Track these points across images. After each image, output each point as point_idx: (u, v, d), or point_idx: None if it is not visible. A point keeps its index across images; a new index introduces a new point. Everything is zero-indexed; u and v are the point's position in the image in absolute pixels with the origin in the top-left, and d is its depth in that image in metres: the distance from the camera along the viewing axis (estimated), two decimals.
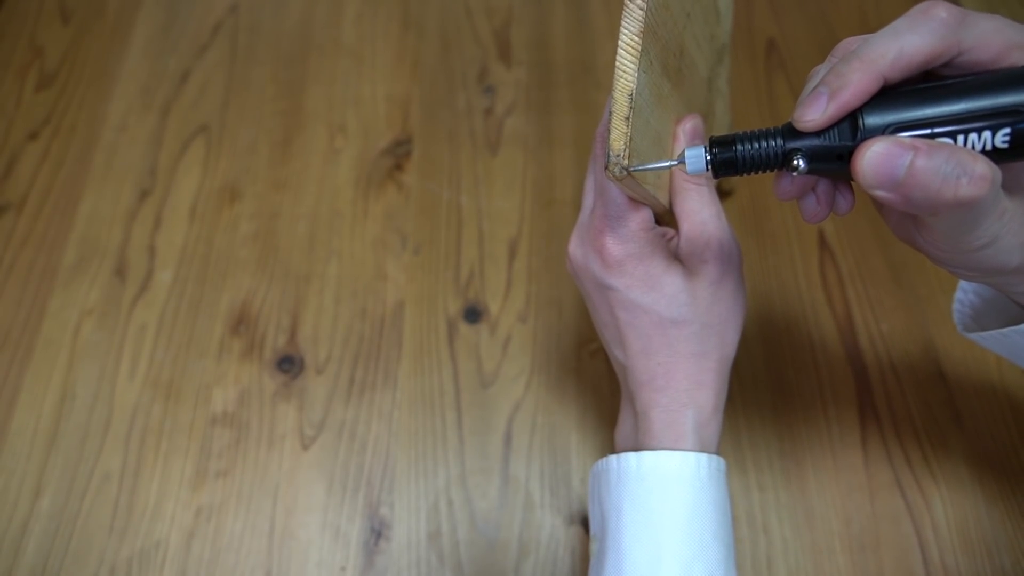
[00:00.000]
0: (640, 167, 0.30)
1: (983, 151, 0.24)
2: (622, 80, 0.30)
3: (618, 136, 0.30)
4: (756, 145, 0.28)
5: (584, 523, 0.46)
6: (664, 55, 0.33)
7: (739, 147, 0.28)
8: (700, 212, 0.35)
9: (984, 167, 0.23)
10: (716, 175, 0.29)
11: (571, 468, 0.48)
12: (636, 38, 0.30)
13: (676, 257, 0.35)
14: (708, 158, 0.29)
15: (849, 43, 0.27)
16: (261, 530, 0.47)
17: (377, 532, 0.46)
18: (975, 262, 0.27)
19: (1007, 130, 0.24)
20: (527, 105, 0.63)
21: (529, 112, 0.63)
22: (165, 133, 0.62)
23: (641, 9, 0.29)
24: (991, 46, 0.24)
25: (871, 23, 0.67)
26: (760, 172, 0.29)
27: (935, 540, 0.45)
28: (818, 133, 0.26)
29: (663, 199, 0.36)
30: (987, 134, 0.25)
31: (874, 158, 0.24)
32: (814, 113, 0.26)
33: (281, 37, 0.68)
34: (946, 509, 0.46)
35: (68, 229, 0.58)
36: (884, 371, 0.51)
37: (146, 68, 0.66)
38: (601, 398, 0.50)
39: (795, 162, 0.27)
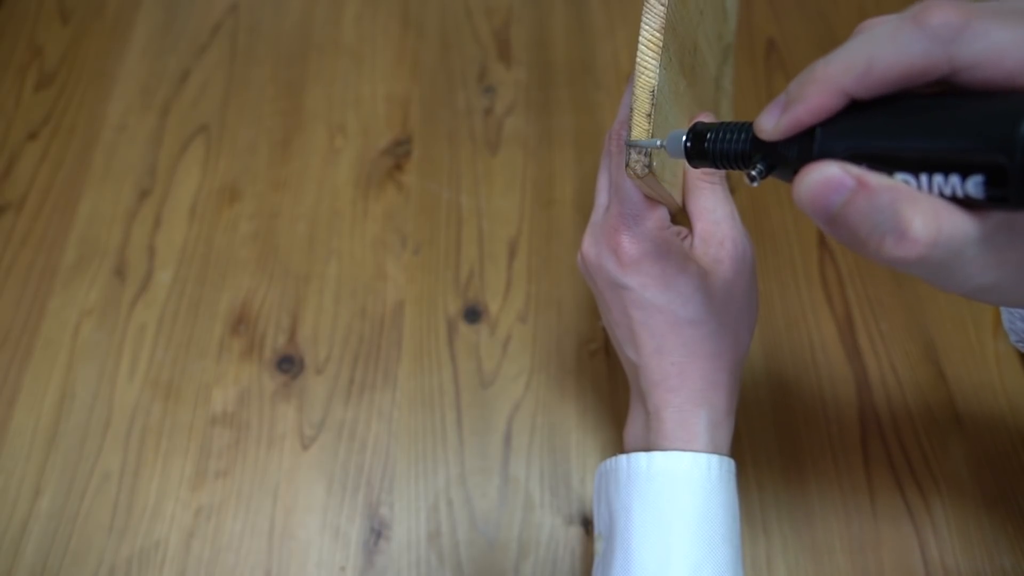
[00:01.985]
0: (633, 142, 0.30)
1: (953, 197, 0.19)
2: (643, 76, 0.30)
3: (639, 132, 0.30)
4: (726, 140, 0.26)
5: (584, 523, 0.46)
6: (681, 52, 0.33)
7: (710, 138, 0.27)
8: (714, 211, 0.35)
9: (920, 229, 0.19)
10: (691, 164, 0.29)
11: (571, 468, 0.48)
12: (657, 34, 0.30)
13: (690, 256, 0.35)
14: (687, 144, 0.28)
15: (864, 26, 0.23)
16: (261, 530, 0.47)
17: (377, 532, 0.46)
18: (972, 298, 0.23)
19: (980, 177, 0.18)
20: (527, 105, 0.63)
21: (529, 112, 0.63)
22: (165, 133, 0.62)
23: (662, 5, 0.30)
24: (1003, 62, 0.19)
25: None
26: (733, 168, 0.27)
27: (935, 540, 0.45)
28: (777, 142, 0.24)
29: (677, 197, 0.36)
30: (955, 178, 0.19)
31: (811, 186, 0.21)
32: (767, 123, 0.24)
33: (281, 37, 0.68)
34: (946, 509, 0.46)
35: (68, 229, 0.58)
36: (884, 371, 0.51)
37: (146, 68, 0.66)
38: (601, 398, 0.50)
39: (752, 170, 0.25)
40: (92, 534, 0.46)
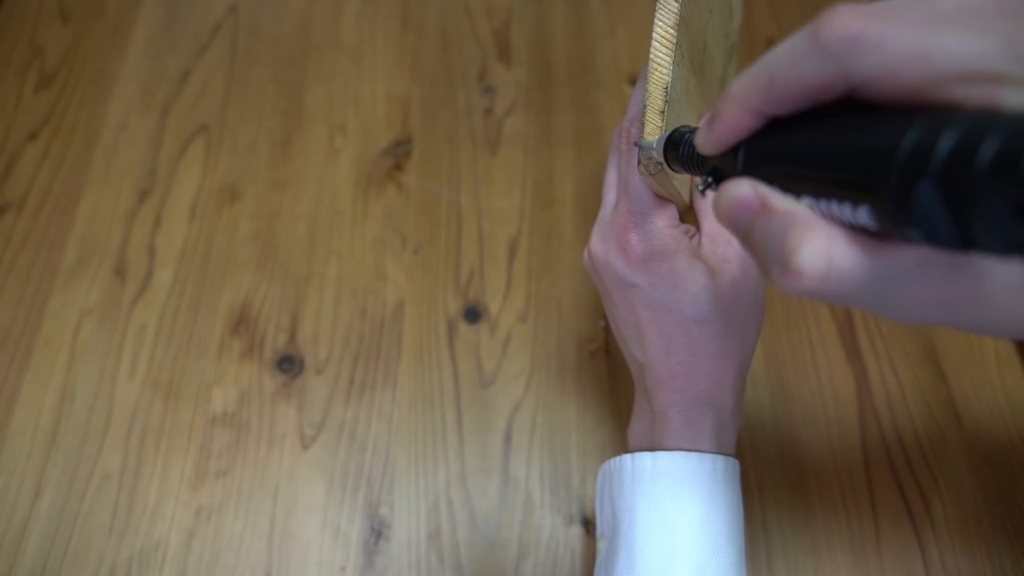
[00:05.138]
0: (638, 143, 0.30)
1: (854, 224, 0.17)
2: (657, 72, 0.30)
3: (652, 130, 0.30)
4: (692, 146, 0.26)
5: (585, 523, 0.46)
6: (692, 49, 0.33)
7: (683, 142, 0.27)
8: None
9: (806, 261, 0.17)
10: (669, 166, 0.29)
11: (571, 468, 0.48)
12: (671, 30, 0.30)
13: (698, 255, 0.35)
14: (665, 147, 0.28)
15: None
16: (261, 530, 0.47)
17: (377, 532, 0.46)
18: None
19: (867, 207, 0.16)
20: (527, 105, 0.63)
21: (529, 112, 0.63)
22: (165, 133, 0.62)
23: (676, 1, 0.30)
24: (899, 78, 0.17)
25: None
26: (699, 175, 0.27)
27: (935, 540, 0.45)
28: (719, 155, 0.23)
29: (686, 195, 0.36)
30: (847, 207, 0.17)
31: (724, 203, 0.21)
32: (698, 139, 0.24)
33: (281, 37, 0.68)
34: (946, 509, 0.46)
35: (68, 229, 0.58)
36: (884, 371, 0.51)
37: (146, 68, 0.66)
38: (601, 398, 0.50)
39: (701, 184, 0.25)
40: (92, 534, 0.46)
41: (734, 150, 0.22)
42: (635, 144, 0.31)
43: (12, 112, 0.64)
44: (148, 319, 0.54)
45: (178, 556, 0.46)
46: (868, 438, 0.49)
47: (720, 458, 0.34)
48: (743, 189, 0.20)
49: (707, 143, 0.23)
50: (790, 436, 0.49)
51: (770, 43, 0.66)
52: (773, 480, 0.47)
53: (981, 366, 0.51)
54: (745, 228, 0.20)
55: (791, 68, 0.19)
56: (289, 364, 0.52)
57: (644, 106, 0.30)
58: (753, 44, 0.66)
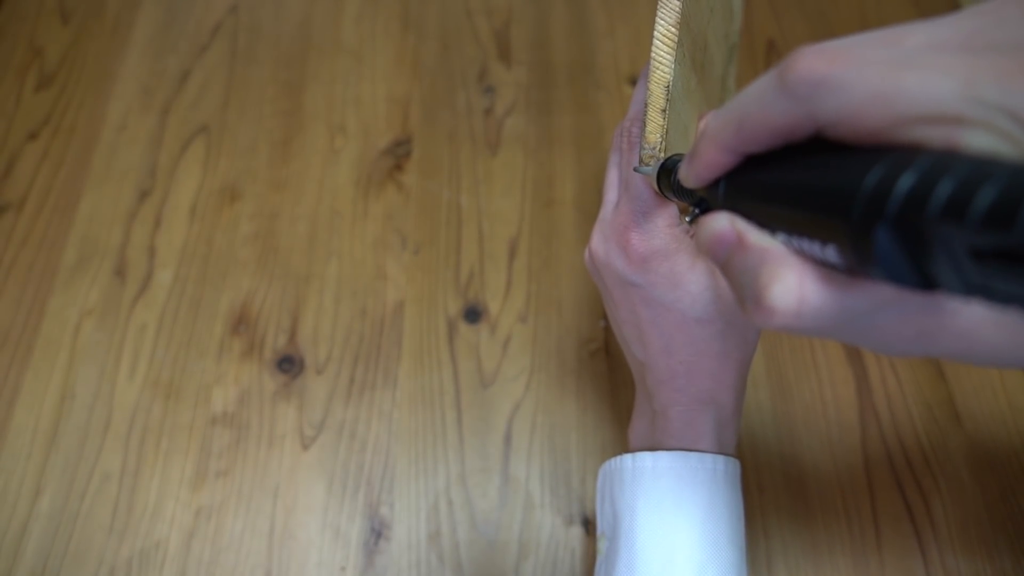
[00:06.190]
0: (638, 168, 0.30)
1: (824, 261, 0.17)
2: (658, 71, 0.30)
3: (654, 128, 0.30)
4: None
5: (585, 523, 0.46)
6: (693, 49, 0.33)
7: (673, 174, 0.27)
8: None
9: (777, 298, 0.17)
10: (663, 194, 0.29)
11: (571, 468, 0.48)
12: (673, 29, 0.30)
13: (699, 254, 0.35)
14: (657, 177, 0.29)
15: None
16: (261, 530, 0.47)
17: (377, 532, 0.46)
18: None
19: (833, 246, 0.16)
20: (527, 105, 0.63)
21: (529, 112, 0.63)
22: (165, 133, 0.62)
23: (678, 0, 0.30)
24: (863, 120, 0.17)
25: (871, 24, 0.67)
26: (689, 205, 0.27)
27: (935, 540, 0.45)
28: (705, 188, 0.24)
29: None
30: (816, 244, 0.17)
31: (704, 236, 0.21)
32: (681, 173, 0.24)
33: (281, 37, 0.68)
34: (946, 509, 0.46)
35: (68, 229, 0.58)
36: (884, 371, 0.51)
37: (146, 68, 0.66)
38: (601, 398, 0.50)
39: (688, 216, 0.25)
40: (92, 534, 0.46)
41: (716, 183, 0.23)
42: (635, 170, 0.31)
43: (12, 112, 0.64)
44: (148, 319, 0.54)
45: (178, 556, 0.46)
46: (868, 439, 0.49)
47: (721, 458, 0.34)
48: (721, 223, 0.20)
49: (688, 178, 0.24)
50: (790, 437, 0.49)
51: (770, 44, 0.66)
52: (773, 481, 0.47)
53: (981, 367, 0.51)
54: (723, 261, 0.20)
55: (760, 109, 0.19)
56: (289, 364, 0.52)
57: (646, 105, 0.30)
58: (753, 45, 0.66)
